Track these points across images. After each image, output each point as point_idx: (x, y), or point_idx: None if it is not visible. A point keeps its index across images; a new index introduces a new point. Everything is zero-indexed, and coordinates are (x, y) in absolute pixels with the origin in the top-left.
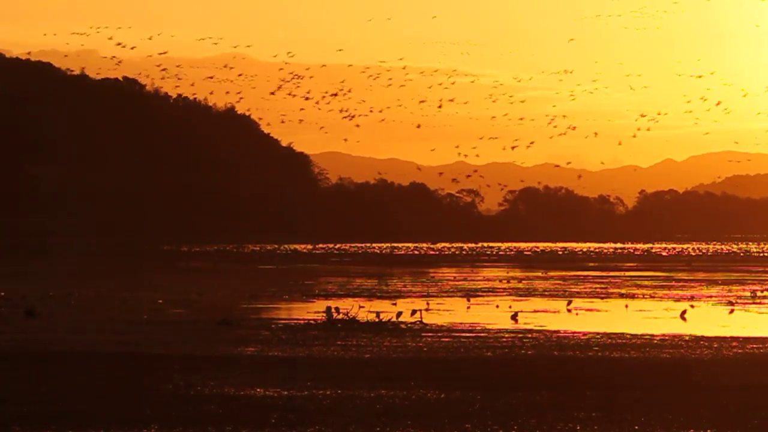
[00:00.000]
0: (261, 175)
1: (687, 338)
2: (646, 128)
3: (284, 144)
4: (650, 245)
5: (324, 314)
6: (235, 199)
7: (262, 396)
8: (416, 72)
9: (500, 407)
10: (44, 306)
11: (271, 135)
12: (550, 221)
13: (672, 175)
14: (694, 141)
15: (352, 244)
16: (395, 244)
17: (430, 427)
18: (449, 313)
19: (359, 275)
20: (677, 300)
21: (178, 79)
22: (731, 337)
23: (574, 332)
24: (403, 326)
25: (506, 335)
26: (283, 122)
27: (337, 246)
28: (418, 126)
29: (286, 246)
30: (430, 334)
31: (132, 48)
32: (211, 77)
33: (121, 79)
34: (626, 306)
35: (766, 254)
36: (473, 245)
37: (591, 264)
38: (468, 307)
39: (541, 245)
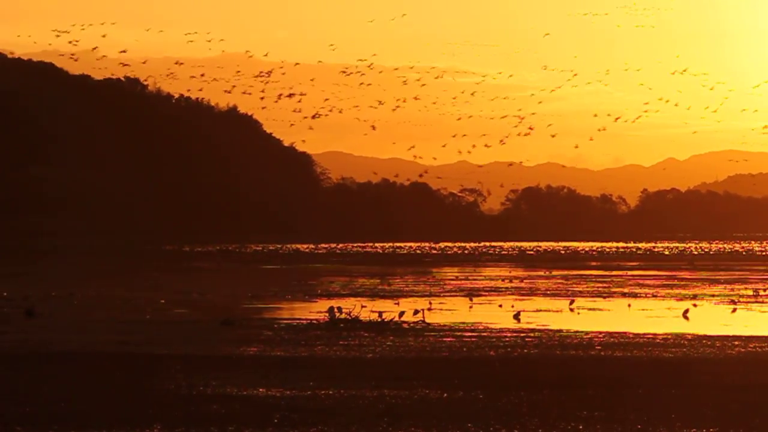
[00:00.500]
0: (263, 174)
1: (689, 337)
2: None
3: (286, 144)
4: (652, 244)
5: (327, 314)
6: (237, 199)
7: (264, 396)
8: (415, 71)
9: (503, 407)
10: (46, 306)
11: (273, 135)
12: (553, 220)
13: (674, 175)
14: (696, 140)
15: (354, 244)
16: (397, 244)
17: (433, 427)
18: (452, 312)
19: (361, 275)
20: (680, 299)
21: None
22: (734, 336)
23: (577, 331)
24: (405, 326)
25: (509, 335)
26: (292, 125)
27: (340, 246)
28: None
29: (288, 246)
30: (432, 334)
31: (134, 48)
32: (215, 78)
33: (123, 79)
34: (629, 305)
35: None
36: (475, 245)
37: (593, 263)
38: (470, 307)
39: (544, 244)
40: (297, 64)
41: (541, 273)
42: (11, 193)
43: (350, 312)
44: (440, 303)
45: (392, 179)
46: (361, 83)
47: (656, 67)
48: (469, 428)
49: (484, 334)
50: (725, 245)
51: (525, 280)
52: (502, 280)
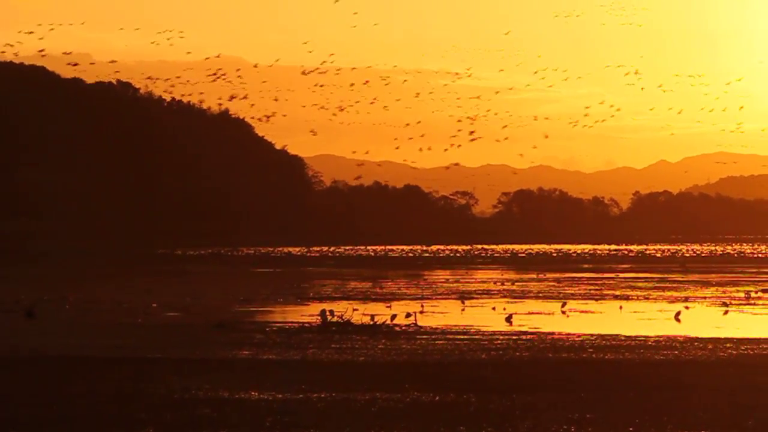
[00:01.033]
0: (255, 178)
1: (681, 339)
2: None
3: (278, 147)
4: (644, 247)
5: (318, 317)
6: (229, 202)
7: (256, 399)
8: (407, 74)
9: (495, 409)
10: (38, 310)
11: (265, 138)
12: (545, 223)
13: (666, 177)
14: (688, 142)
15: (347, 247)
16: (389, 247)
17: (425, 430)
18: (444, 315)
19: (353, 278)
20: (672, 301)
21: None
22: (725, 339)
23: (569, 334)
24: (397, 329)
25: (501, 337)
26: (297, 132)
27: (332, 249)
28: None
29: (280, 249)
30: (424, 337)
31: (125, 52)
32: (210, 80)
33: (114, 82)
34: (620, 307)
35: (760, 255)
36: (467, 247)
37: (585, 266)
38: (462, 310)
39: (536, 247)
40: (302, 68)
41: (533, 276)
42: (0, 196)
43: (342, 315)
44: (432, 306)
45: (384, 182)
46: (352, 84)
47: (650, 69)
48: (461, 431)
49: (476, 337)
50: (717, 247)
51: (517, 283)
52: (494, 283)
